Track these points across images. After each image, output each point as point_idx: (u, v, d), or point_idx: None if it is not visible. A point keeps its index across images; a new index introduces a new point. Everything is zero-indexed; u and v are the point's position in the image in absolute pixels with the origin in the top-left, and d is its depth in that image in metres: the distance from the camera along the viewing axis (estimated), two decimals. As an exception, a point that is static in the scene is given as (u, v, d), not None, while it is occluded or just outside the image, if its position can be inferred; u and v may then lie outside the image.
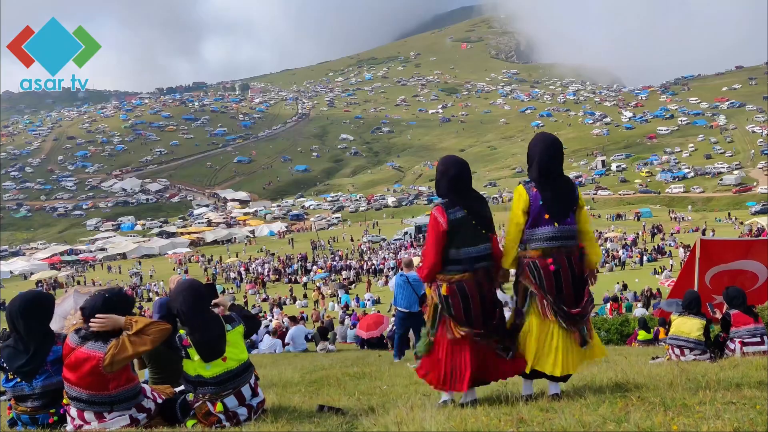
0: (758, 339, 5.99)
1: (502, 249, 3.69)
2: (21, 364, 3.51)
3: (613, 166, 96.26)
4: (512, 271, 3.78)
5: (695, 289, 7.81)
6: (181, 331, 3.46)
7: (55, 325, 3.82)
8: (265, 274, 42.69)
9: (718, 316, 6.48)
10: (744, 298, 6.22)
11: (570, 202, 3.58)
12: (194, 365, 3.43)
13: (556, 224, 3.53)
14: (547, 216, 3.52)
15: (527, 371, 3.63)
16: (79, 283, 44.22)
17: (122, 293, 3.58)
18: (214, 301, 3.81)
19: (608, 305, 20.11)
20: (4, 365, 3.55)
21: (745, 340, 6.01)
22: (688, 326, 6.14)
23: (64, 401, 3.45)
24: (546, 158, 3.61)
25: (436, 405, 3.61)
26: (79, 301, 5.58)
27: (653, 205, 72.04)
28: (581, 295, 3.57)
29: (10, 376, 3.56)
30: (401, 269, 8.90)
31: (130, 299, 3.61)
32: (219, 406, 3.40)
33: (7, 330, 3.67)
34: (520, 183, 3.69)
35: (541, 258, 3.54)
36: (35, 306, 3.62)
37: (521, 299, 3.68)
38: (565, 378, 3.67)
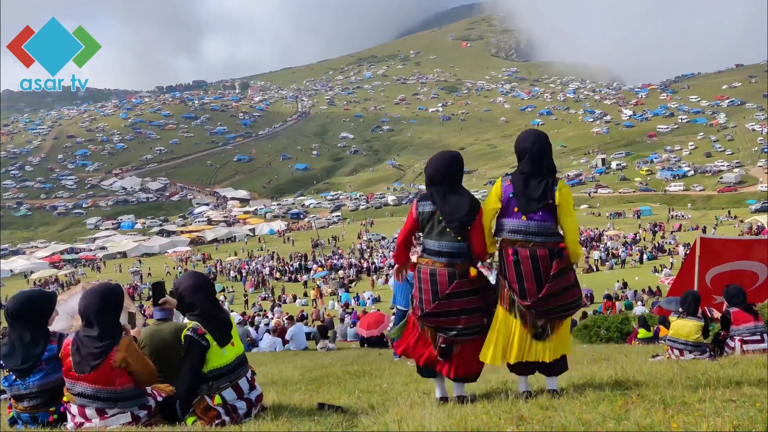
0: (758, 337, 5.98)
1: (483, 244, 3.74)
2: (17, 363, 3.51)
3: (613, 165, 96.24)
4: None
5: (695, 288, 7.81)
6: (190, 324, 3.45)
7: (63, 324, 3.83)
8: (266, 272, 42.71)
9: (717, 315, 6.47)
10: (744, 296, 6.21)
11: (540, 198, 3.57)
12: (211, 355, 3.42)
13: (523, 217, 3.58)
14: (515, 209, 3.60)
15: (490, 363, 3.67)
16: (80, 281, 44.23)
17: (111, 289, 3.56)
18: (161, 301, 3.93)
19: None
20: (1, 363, 3.56)
21: (745, 338, 6.01)
22: (686, 329, 6.13)
23: (65, 399, 3.45)
24: (529, 150, 3.64)
25: (436, 401, 3.63)
26: None
27: (653, 203, 72.07)
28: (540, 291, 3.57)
29: (5, 373, 3.57)
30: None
31: (119, 293, 3.59)
32: (217, 399, 3.40)
33: (4, 327, 3.67)
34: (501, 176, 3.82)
35: (505, 247, 3.65)
36: (34, 305, 3.63)
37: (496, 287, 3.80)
38: (557, 371, 3.68)
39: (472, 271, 3.65)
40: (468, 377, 3.77)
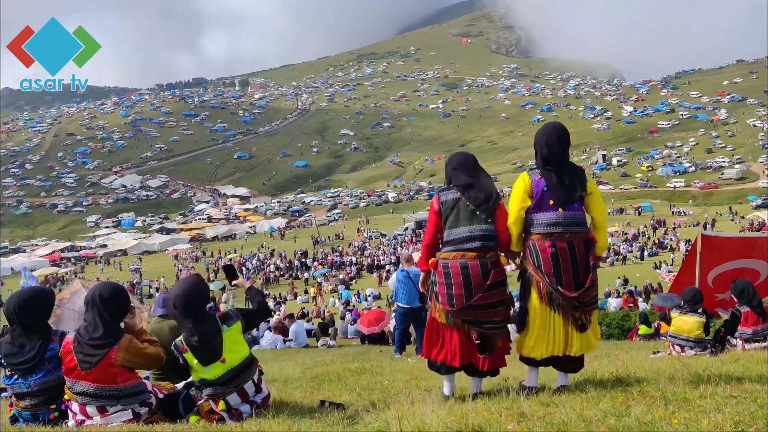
0: (760, 337, 5.98)
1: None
2: (20, 361, 3.51)
3: (614, 161, 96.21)
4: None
5: (696, 285, 7.79)
6: (177, 340, 3.46)
7: (74, 324, 3.84)
8: (270, 270, 42.66)
9: (724, 317, 6.39)
10: (753, 291, 6.13)
11: (575, 189, 3.58)
12: (194, 370, 3.44)
13: (560, 209, 3.54)
14: (551, 201, 3.54)
15: (525, 355, 3.66)
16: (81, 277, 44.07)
17: (119, 289, 3.59)
18: (233, 282, 4.00)
19: (610, 300, 20.09)
20: (2, 361, 3.56)
21: (748, 339, 6.01)
22: (688, 325, 6.11)
23: (66, 397, 3.45)
24: (547, 145, 3.64)
25: (437, 398, 3.62)
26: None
27: (654, 199, 72.01)
28: (581, 282, 3.54)
29: (8, 372, 3.57)
30: (402, 264, 8.88)
31: (125, 297, 3.60)
32: (221, 405, 3.39)
33: (7, 326, 3.67)
34: (525, 170, 3.73)
35: (540, 241, 3.57)
36: (35, 302, 3.63)
37: (522, 282, 3.71)
38: (575, 368, 3.68)
39: (503, 260, 3.62)
40: (496, 371, 3.74)
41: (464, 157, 3.79)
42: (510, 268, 3.81)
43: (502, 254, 3.70)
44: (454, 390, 3.75)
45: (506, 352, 3.75)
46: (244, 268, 44.75)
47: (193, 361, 3.40)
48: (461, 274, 3.54)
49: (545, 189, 3.55)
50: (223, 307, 23.00)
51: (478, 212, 3.57)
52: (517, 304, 3.90)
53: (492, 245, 3.59)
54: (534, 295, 3.60)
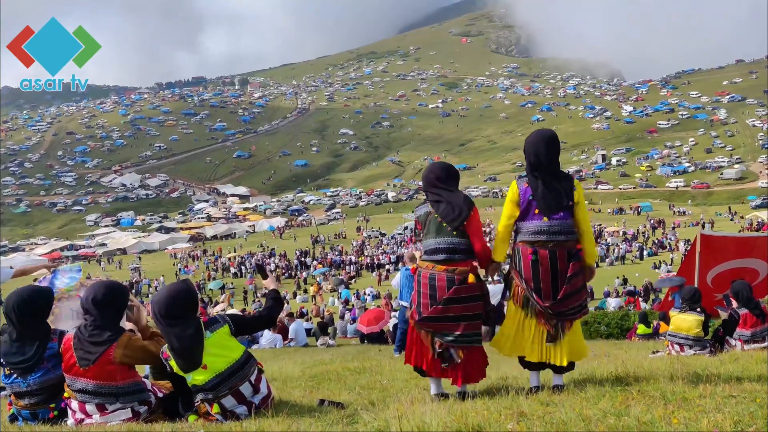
0: (760, 338, 5.99)
1: (489, 245, 3.76)
2: (18, 360, 3.51)
3: (614, 161, 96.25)
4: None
5: (695, 284, 7.80)
6: (163, 347, 3.45)
7: (72, 323, 3.84)
8: (271, 269, 42.64)
9: (723, 316, 6.40)
10: (750, 292, 6.15)
11: (561, 198, 3.61)
12: (180, 374, 3.43)
13: (545, 219, 3.59)
14: (537, 211, 3.61)
15: (507, 355, 3.74)
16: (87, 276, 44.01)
17: (118, 286, 3.60)
18: (263, 283, 4.08)
19: (609, 300, 20.10)
20: (1, 360, 3.56)
21: (747, 340, 6.01)
22: (687, 324, 6.12)
23: (65, 395, 3.45)
24: (535, 153, 3.67)
25: (433, 399, 3.65)
26: None
27: (654, 199, 72.04)
28: (557, 293, 3.59)
29: (7, 372, 3.56)
30: (404, 263, 8.87)
31: (125, 294, 3.60)
32: (215, 408, 3.36)
33: (5, 325, 3.66)
34: (515, 178, 3.80)
35: (524, 247, 3.65)
36: (34, 301, 3.62)
37: (506, 283, 3.82)
38: (566, 369, 3.71)
39: (470, 278, 3.64)
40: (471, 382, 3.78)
41: (437, 173, 3.82)
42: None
43: (480, 268, 3.76)
44: (441, 389, 3.80)
45: (482, 365, 3.76)
46: (243, 267, 44.76)
47: (176, 368, 3.39)
48: (428, 285, 3.67)
49: (531, 198, 3.61)
50: (220, 308, 22.99)
51: (444, 224, 3.65)
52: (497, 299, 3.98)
53: (460, 258, 3.65)
54: (513, 298, 3.72)
